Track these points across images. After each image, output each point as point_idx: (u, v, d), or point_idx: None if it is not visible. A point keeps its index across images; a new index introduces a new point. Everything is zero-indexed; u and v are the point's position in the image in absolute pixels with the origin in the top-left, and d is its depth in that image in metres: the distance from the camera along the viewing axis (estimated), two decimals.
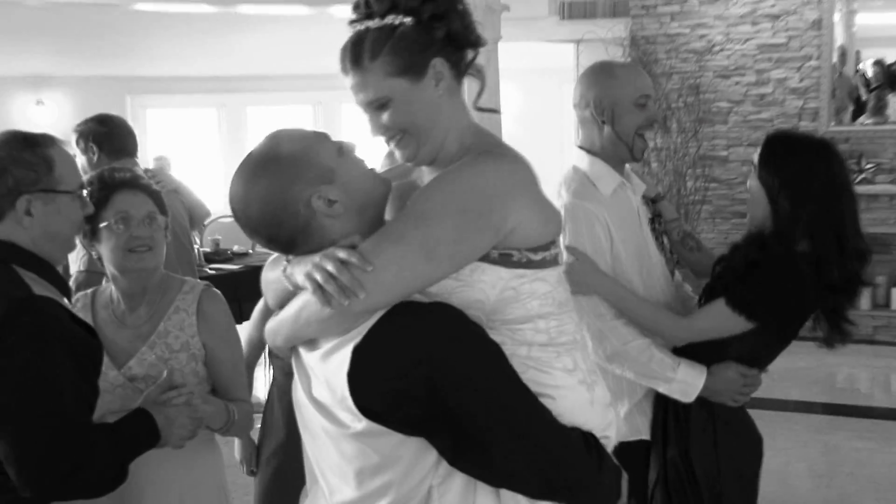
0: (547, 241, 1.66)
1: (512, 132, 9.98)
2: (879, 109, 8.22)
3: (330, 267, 1.51)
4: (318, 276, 1.52)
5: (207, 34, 10.01)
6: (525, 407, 1.61)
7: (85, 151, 4.20)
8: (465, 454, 1.58)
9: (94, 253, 2.63)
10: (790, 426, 5.63)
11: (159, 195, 2.67)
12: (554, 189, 2.76)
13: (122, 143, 4.18)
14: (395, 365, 1.53)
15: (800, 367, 6.83)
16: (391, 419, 1.55)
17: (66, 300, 2.24)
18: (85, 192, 2.28)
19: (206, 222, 8.96)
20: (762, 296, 2.59)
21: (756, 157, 2.68)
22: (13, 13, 8.98)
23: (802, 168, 2.60)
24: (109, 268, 2.59)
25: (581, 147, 2.86)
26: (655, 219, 2.95)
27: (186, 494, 2.63)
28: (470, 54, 1.73)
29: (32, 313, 2.06)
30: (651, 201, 2.98)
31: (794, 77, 8.21)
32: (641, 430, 2.86)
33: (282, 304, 1.70)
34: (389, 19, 1.65)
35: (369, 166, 1.68)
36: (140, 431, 2.25)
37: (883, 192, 7.82)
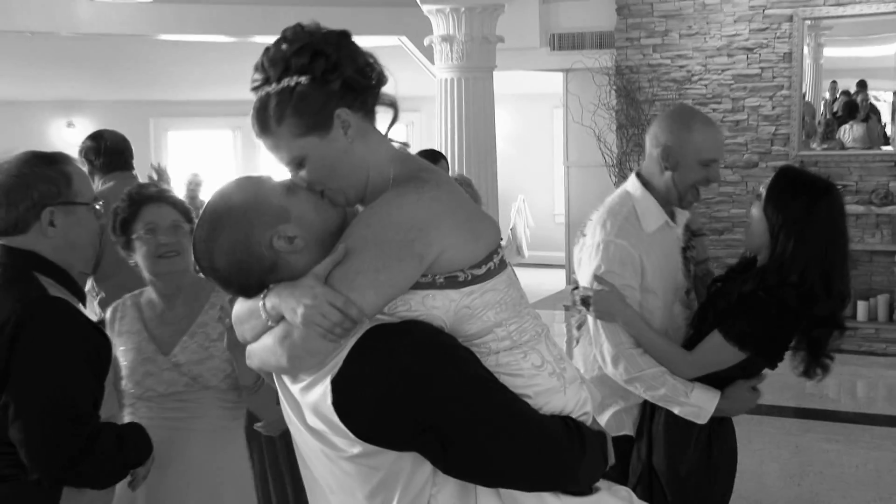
0: (485, 255, 1.60)
1: (505, 153, 9.99)
2: (829, 135, 8.22)
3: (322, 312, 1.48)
4: (314, 319, 1.48)
5: (224, 62, 10.01)
6: (506, 407, 1.57)
7: (83, 166, 4.20)
8: (455, 461, 1.54)
9: (132, 262, 2.71)
10: (763, 429, 5.60)
11: (184, 205, 2.74)
12: (595, 209, 2.82)
13: (110, 158, 4.07)
14: (377, 388, 1.49)
15: (772, 374, 6.88)
16: (383, 439, 1.52)
17: (81, 305, 2.27)
18: (98, 205, 2.33)
19: None
20: (755, 330, 2.57)
21: (763, 190, 2.63)
22: (48, 43, 8.99)
23: (806, 210, 2.55)
24: (145, 273, 2.68)
25: (639, 175, 2.79)
26: (689, 248, 2.87)
27: (213, 477, 2.66)
28: (374, 91, 1.65)
29: (46, 312, 2.12)
30: (691, 233, 2.91)
31: (767, 105, 8.20)
32: (626, 427, 2.85)
33: (257, 337, 1.64)
34: (286, 82, 1.56)
35: (319, 199, 1.62)
36: (140, 441, 2.30)
37: (850, 212, 7.76)
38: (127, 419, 2.64)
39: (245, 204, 1.58)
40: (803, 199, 2.57)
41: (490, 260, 1.60)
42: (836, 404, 6.42)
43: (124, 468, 2.23)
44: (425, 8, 7.56)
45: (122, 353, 2.64)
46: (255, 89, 1.61)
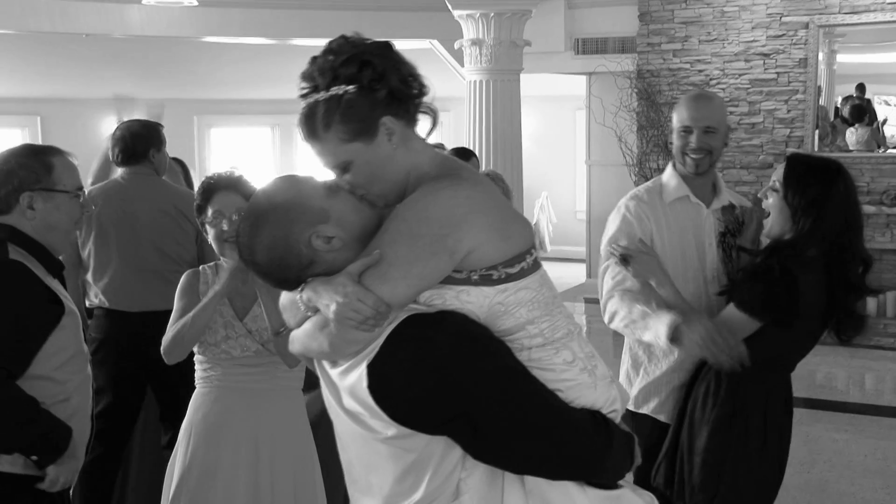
0: (516, 254, 1.59)
1: (530, 151, 9.97)
2: (834, 139, 8.19)
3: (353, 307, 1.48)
4: (346, 315, 1.49)
5: (265, 63, 10.06)
6: (536, 398, 1.57)
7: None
8: (485, 447, 1.54)
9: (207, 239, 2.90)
10: None
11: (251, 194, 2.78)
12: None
13: (125, 148, 3.95)
14: (411, 374, 1.50)
15: None
16: (416, 423, 1.52)
17: (55, 279, 2.40)
18: (83, 193, 2.47)
19: None
20: (761, 294, 2.56)
21: (779, 178, 2.64)
22: (100, 44, 9.07)
23: (824, 192, 2.58)
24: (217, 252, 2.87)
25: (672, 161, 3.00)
26: (728, 233, 2.89)
27: (277, 433, 2.79)
28: (416, 100, 1.65)
29: None
30: (737, 220, 2.91)
31: (783, 108, 8.12)
32: (650, 407, 2.88)
33: (300, 324, 1.66)
34: (334, 90, 1.57)
35: (359, 200, 1.63)
36: (56, 436, 2.31)
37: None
38: (199, 383, 2.84)
39: (287, 203, 1.59)
40: (820, 181, 2.60)
41: (523, 259, 1.60)
42: (845, 395, 6.36)
43: (20, 439, 2.27)
44: (456, 13, 7.55)
45: None
46: (303, 96, 1.62)
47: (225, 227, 2.74)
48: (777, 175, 2.66)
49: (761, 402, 2.68)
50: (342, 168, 1.61)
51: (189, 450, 2.79)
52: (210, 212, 2.78)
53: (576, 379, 1.62)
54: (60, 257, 2.49)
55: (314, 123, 1.60)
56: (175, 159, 4.55)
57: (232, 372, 2.79)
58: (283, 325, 2.58)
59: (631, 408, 2.90)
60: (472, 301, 1.56)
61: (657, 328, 2.60)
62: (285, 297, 1.70)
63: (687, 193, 2.87)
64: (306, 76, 1.62)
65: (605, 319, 2.87)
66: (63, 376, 2.36)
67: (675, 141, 2.88)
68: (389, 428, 1.53)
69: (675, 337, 2.56)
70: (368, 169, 1.60)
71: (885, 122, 8.28)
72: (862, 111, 8.26)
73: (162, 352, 2.80)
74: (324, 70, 1.59)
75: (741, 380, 2.62)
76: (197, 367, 2.86)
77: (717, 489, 2.65)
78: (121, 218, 3.88)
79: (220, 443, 2.76)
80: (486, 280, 1.56)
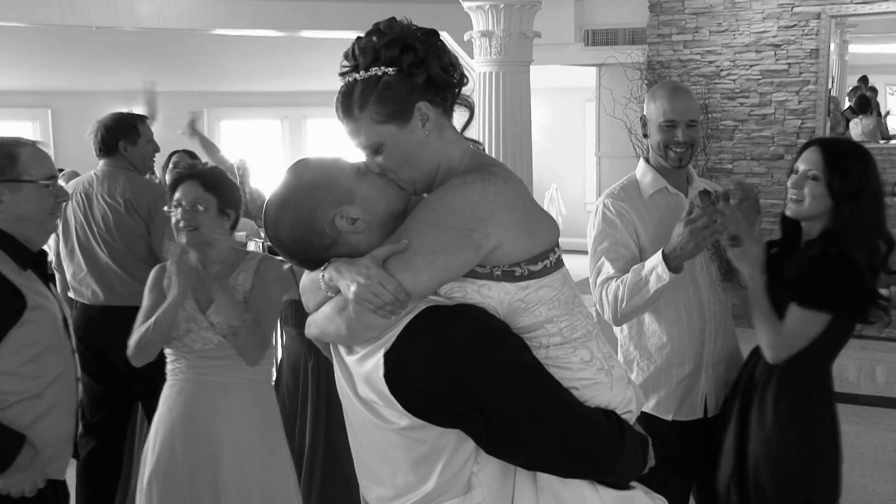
0: (540, 252, 1.59)
1: (539, 143, 9.93)
2: (844, 131, 8.19)
3: (373, 290, 1.48)
4: (366, 297, 1.49)
5: (274, 55, 10.06)
6: (550, 395, 1.56)
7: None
8: (497, 442, 1.54)
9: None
10: None
11: (217, 183, 2.83)
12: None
13: (97, 141, 4.00)
14: (428, 365, 1.49)
15: None
16: (430, 415, 1.52)
17: (19, 266, 2.33)
18: (55, 182, 2.40)
19: None
20: (828, 287, 2.52)
21: (817, 166, 2.58)
22: (110, 37, 9.08)
23: (863, 175, 2.58)
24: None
25: (643, 155, 2.98)
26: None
27: (244, 426, 2.79)
28: (454, 90, 1.65)
29: None
30: (710, 200, 2.84)
31: (794, 99, 8.08)
32: (650, 405, 2.87)
33: (319, 307, 1.66)
34: (373, 71, 1.58)
35: (388, 183, 1.62)
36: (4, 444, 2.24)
37: None
38: (168, 375, 2.83)
39: (314, 182, 1.59)
40: (857, 165, 2.58)
41: (547, 257, 1.60)
42: (856, 387, 6.33)
43: None
44: (465, 4, 7.53)
45: None
46: (342, 75, 1.63)
47: (180, 216, 2.76)
48: (811, 163, 2.60)
49: (822, 394, 2.66)
50: (374, 149, 1.61)
51: (157, 443, 2.79)
52: (173, 202, 2.81)
53: (592, 378, 1.62)
54: (50, 253, 2.46)
55: (350, 102, 1.60)
56: (186, 151, 4.57)
57: (196, 365, 2.78)
58: (239, 321, 2.63)
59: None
60: (493, 296, 1.56)
61: (653, 270, 2.60)
62: (306, 278, 1.70)
63: (665, 185, 2.87)
64: (348, 55, 1.63)
65: (607, 315, 2.80)
66: (32, 372, 2.28)
67: (656, 135, 2.83)
68: (402, 418, 1.53)
69: (669, 262, 2.57)
70: (400, 152, 1.60)
71: (887, 114, 8.29)
72: (867, 102, 8.25)
73: (128, 355, 2.80)
74: (366, 50, 1.60)
75: (792, 377, 2.59)
76: (167, 359, 2.86)
77: (804, 495, 2.60)
78: (79, 210, 3.93)
79: (186, 436, 2.75)
80: (509, 276, 1.56)
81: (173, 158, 4.59)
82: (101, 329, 3.79)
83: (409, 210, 1.61)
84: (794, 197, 2.63)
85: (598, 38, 9.04)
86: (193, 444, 2.75)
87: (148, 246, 3.87)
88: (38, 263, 2.42)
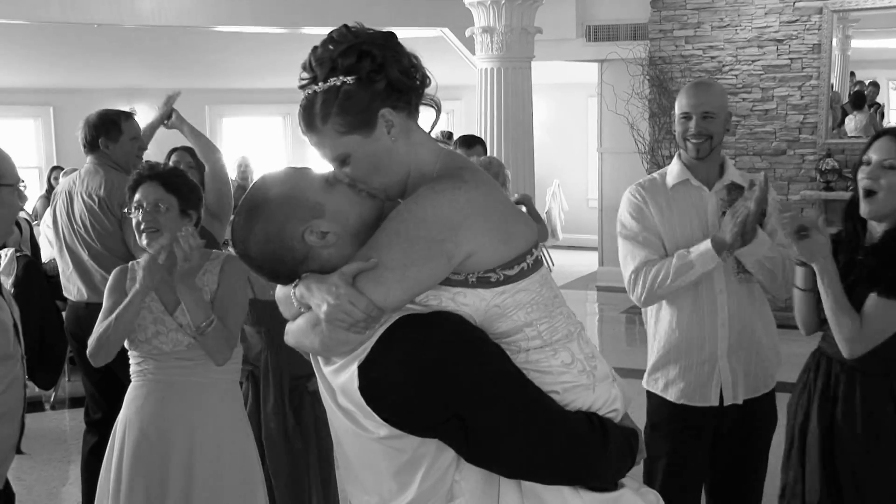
0: (515, 256, 1.55)
1: (541, 140, 9.93)
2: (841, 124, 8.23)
3: (342, 310, 1.46)
4: (337, 317, 1.47)
5: (275, 52, 10.05)
6: (529, 403, 1.53)
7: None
8: (476, 451, 1.51)
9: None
10: None
11: (177, 183, 2.81)
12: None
13: (82, 138, 3.97)
14: (402, 376, 1.47)
15: (799, 354, 6.71)
16: (407, 425, 1.49)
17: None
18: (22, 185, 2.44)
19: None
20: None
21: (893, 156, 2.50)
22: (111, 33, 9.08)
23: None
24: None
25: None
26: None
27: (214, 424, 2.78)
28: (418, 92, 1.61)
29: None
30: (735, 192, 2.91)
31: (796, 94, 8.06)
32: (658, 385, 2.98)
33: (295, 318, 1.64)
34: (332, 81, 1.53)
35: (358, 193, 1.58)
36: None
37: None
38: (133, 377, 2.81)
39: (281, 197, 1.55)
40: None
41: (523, 260, 1.56)
42: None
43: None
44: (467, 0, 7.52)
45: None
46: (302, 87, 1.59)
47: (141, 217, 2.73)
48: (888, 152, 2.50)
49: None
50: (341, 161, 1.57)
51: (124, 445, 2.77)
52: (132, 204, 2.77)
53: (573, 381, 1.59)
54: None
55: (312, 115, 1.56)
56: (186, 149, 4.51)
57: (165, 366, 2.76)
58: (206, 321, 2.62)
59: (644, 384, 3.05)
60: (469, 303, 1.53)
61: (702, 255, 2.74)
62: (280, 289, 1.67)
63: (687, 178, 2.94)
64: (306, 66, 1.58)
65: (638, 294, 2.88)
66: None
67: (677, 127, 2.97)
68: (381, 428, 1.51)
69: (719, 248, 2.72)
70: (367, 162, 1.56)
71: (876, 108, 8.29)
72: (861, 98, 8.24)
73: (87, 354, 2.78)
74: (322, 60, 1.55)
75: (878, 380, 2.52)
76: (130, 360, 2.83)
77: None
78: (63, 209, 3.94)
79: (154, 438, 2.73)
80: (484, 283, 1.53)
81: (173, 157, 4.49)
82: (88, 326, 3.79)
83: (384, 215, 1.59)
84: (868, 187, 2.53)
85: (599, 33, 9.03)
86: (168, 444, 2.74)
87: (124, 244, 3.83)
88: None
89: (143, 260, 2.69)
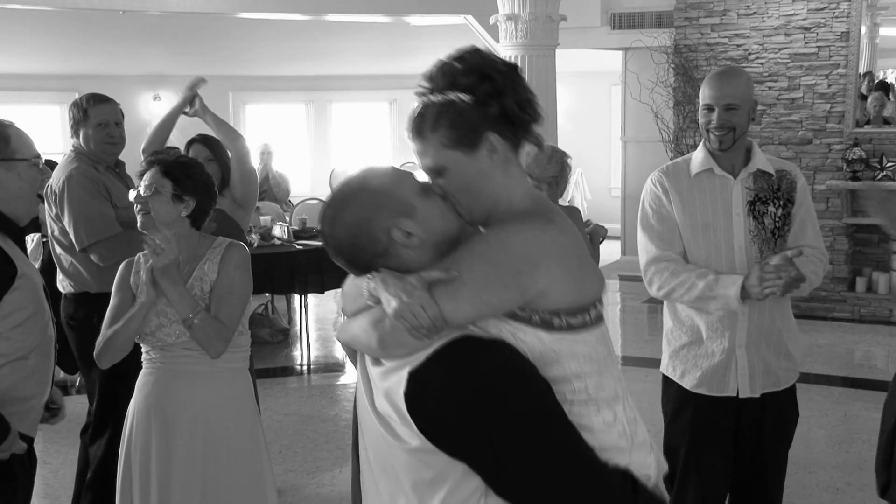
0: (583, 304, 1.59)
1: (564, 128, 9.88)
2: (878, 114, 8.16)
3: (413, 309, 1.50)
4: (404, 315, 1.50)
5: (299, 39, 10.06)
6: (567, 444, 1.54)
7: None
8: (508, 484, 1.51)
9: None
10: (811, 396, 5.51)
11: (174, 171, 2.85)
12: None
13: (71, 123, 3.84)
14: (449, 394, 1.48)
15: (822, 345, 6.68)
16: (441, 440, 1.50)
17: (13, 243, 2.47)
18: (41, 160, 2.53)
19: (294, 202, 8.99)
20: None
21: None
22: (137, 21, 9.12)
23: None
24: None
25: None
26: (758, 201, 2.90)
27: (219, 415, 2.80)
28: (526, 127, 1.66)
29: None
30: (769, 185, 2.91)
31: (823, 83, 7.97)
32: (677, 373, 3.00)
33: (356, 313, 1.67)
34: (449, 95, 1.60)
35: (448, 207, 1.63)
36: None
37: None
38: (143, 364, 2.86)
39: (380, 187, 1.61)
40: None
41: (587, 311, 1.60)
42: (885, 374, 6.27)
43: None
44: None
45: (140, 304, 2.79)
46: (419, 95, 1.65)
47: (132, 196, 2.84)
48: None
49: None
50: (437, 171, 1.63)
51: (133, 432, 2.81)
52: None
53: (612, 442, 1.60)
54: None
55: (422, 123, 1.62)
56: (204, 143, 4.27)
57: (172, 355, 2.80)
58: (193, 312, 2.66)
59: (664, 371, 3.08)
60: (527, 342, 1.56)
61: (726, 296, 2.73)
62: (349, 284, 1.71)
63: (711, 166, 2.92)
64: (428, 77, 1.64)
65: (654, 290, 2.92)
66: (21, 336, 2.42)
67: (700, 118, 2.94)
68: (414, 438, 1.52)
69: (745, 297, 2.71)
70: (462, 179, 1.62)
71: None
72: (886, 86, 8.17)
73: (94, 356, 2.82)
74: (445, 74, 1.62)
75: None
76: (142, 349, 2.88)
77: None
78: (48, 200, 3.83)
79: (162, 425, 2.77)
80: (546, 325, 1.56)
81: (191, 151, 4.15)
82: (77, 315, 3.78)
83: (462, 238, 1.63)
84: None
85: (624, 21, 8.97)
86: (176, 432, 2.76)
87: (69, 235, 3.68)
88: (19, 237, 2.57)
89: (144, 274, 2.73)
